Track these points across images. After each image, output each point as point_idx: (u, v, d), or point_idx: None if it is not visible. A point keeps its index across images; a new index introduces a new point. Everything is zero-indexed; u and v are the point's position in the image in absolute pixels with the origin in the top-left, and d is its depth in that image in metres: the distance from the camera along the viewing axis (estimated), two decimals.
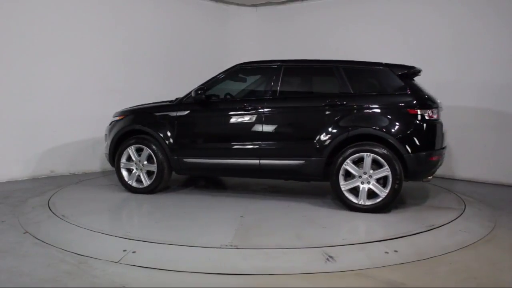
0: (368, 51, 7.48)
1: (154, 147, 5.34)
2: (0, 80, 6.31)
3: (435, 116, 4.66)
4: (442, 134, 4.79)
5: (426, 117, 4.58)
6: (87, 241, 3.77)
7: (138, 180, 5.48)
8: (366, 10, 7.82)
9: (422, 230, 4.03)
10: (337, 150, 4.72)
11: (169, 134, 5.32)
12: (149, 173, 5.44)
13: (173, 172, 5.52)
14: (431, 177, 4.83)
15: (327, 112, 4.79)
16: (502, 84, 6.53)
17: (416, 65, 5.01)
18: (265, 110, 5.00)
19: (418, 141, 4.55)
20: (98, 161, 7.39)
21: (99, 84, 7.31)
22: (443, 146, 4.86)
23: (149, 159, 5.41)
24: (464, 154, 6.92)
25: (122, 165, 5.53)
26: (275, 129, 4.99)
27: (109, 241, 3.72)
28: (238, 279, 3.12)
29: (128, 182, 5.51)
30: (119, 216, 4.60)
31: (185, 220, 4.33)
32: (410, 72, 4.84)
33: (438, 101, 4.89)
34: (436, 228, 4.13)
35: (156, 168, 5.36)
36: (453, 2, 6.93)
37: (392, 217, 4.51)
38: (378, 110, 4.69)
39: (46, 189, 5.81)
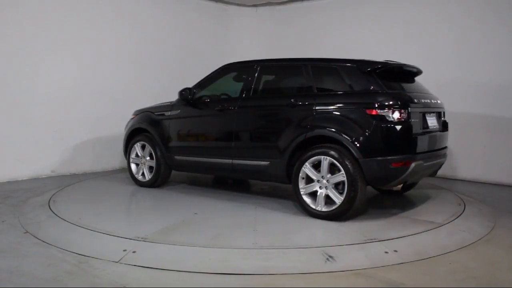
0: (368, 52, 7.47)
1: (153, 144, 5.75)
2: (0, 80, 6.31)
3: (402, 117, 4.14)
4: (416, 138, 4.25)
5: (388, 118, 4.12)
6: (88, 241, 3.77)
7: (143, 174, 5.95)
8: (366, 10, 7.82)
9: (422, 230, 4.03)
10: (298, 152, 4.54)
11: (163, 132, 5.71)
12: (151, 169, 5.86)
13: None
14: (410, 185, 4.52)
15: (290, 113, 4.64)
16: (503, 84, 6.53)
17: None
18: (236, 110, 5.07)
19: (376, 145, 4.14)
20: (98, 161, 7.39)
21: (99, 84, 7.31)
22: (425, 150, 4.42)
23: (151, 155, 5.84)
24: (464, 154, 6.92)
25: (131, 160, 6.04)
26: (244, 129, 5.05)
27: (109, 241, 3.72)
28: (238, 279, 3.12)
29: (135, 175, 6.01)
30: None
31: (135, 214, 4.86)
32: (377, 69, 4.40)
33: (427, 100, 4.55)
34: (435, 228, 4.13)
35: (155, 163, 5.76)
36: (454, 3, 6.93)
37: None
38: (337, 111, 4.37)
39: (47, 189, 5.82)
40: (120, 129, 7.72)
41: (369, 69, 4.38)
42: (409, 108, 4.20)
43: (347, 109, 4.32)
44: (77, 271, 3.19)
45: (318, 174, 4.37)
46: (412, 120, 4.22)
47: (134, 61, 7.75)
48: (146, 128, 5.85)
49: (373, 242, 3.70)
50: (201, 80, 5.62)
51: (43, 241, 3.80)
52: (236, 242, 3.69)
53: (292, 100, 4.66)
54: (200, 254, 3.46)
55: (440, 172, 6.92)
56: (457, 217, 4.50)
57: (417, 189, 5.86)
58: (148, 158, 5.85)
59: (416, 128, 4.30)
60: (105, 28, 7.36)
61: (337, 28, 8.16)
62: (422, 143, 4.38)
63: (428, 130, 4.53)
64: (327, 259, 3.38)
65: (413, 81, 4.89)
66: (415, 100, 4.37)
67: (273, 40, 9.01)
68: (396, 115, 4.14)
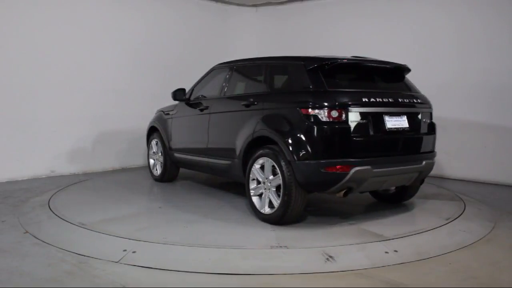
0: (368, 51, 7.46)
1: (162, 142, 6.19)
2: (0, 80, 6.31)
3: (338, 118, 3.87)
4: (360, 140, 3.95)
5: (321, 119, 3.87)
6: (87, 241, 3.77)
7: (157, 169, 6.42)
8: (366, 9, 7.82)
9: (422, 230, 4.03)
10: (249, 153, 4.47)
11: (167, 131, 6.10)
12: (161, 164, 6.30)
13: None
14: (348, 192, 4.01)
15: (245, 113, 4.62)
16: (503, 84, 6.52)
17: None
18: (211, 111, 5.23)
19: (309, 147, 3.88)
20: (98, 161, 7.39)
21: (99, 84, 7.30)
22: (381, 155, 4.09)
23: (162, 152, 6.28)
24: (464, 154, 6.91)
25: (149, 155, 6.54)
26: (214, 129, 5.15)
27: (109, 241, 3.72)
28: (238, 279, 3.12)
29: (151, 170, 6.51)
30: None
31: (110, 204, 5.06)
32: (324, 66, 4.11)
33: (388, 99, 4.15)
34: (436, 228, 4.13)
35: (163, 160, 6.20)
36: (455, 3, 6.93)
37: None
38: (279, 111, 4.24)
39: (46, 189, 5.81)
40: (120, 129, 7.74)
41: (314, 66, 4.12)
42: (349, 108, 3.91)
43: (286, 109, 4.15)
44: (77, 271, 3.19)
45: (264, 176, 4.30)
46: (354, 121, 3.91)
47: (134, 61, 7.75)
48: (157, 126, 6.28)
49: (373, 242, 3.71)
50: (196, 81, 5.84)
51: (43, 241, 3.79)
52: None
53: (247, 100, 4.65)
54: (200, 254, 3.46)
55: (440, 172, 7.00)
56: (457, 217, 4.50)
57: None
58: (160, 154, 6.29)
59: (362, 130, 3.97)
60: (105, 28, 7.35)
61: (337, 27, 8.15)
62: (374, 147, 4.07)
63: (386, 132, 4.12)
64: (327, 259, 3.38)
65: (391, 78, 4.59)
66: (363, 100, 4.00)
67: (273, 39, 9.01)
68: (331, 115, 3.86)
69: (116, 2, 7.51)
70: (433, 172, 6.95)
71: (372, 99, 4.05)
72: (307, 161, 3.89)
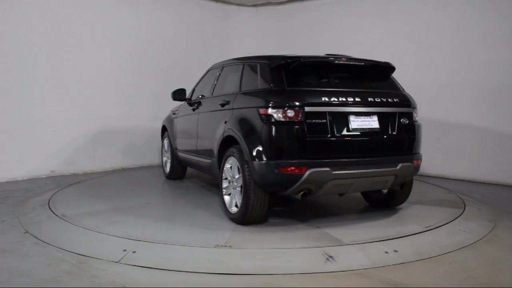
0: (368, 51, 7.48)
1: (169, 140, 6.41)
2: (0, 80, 6.31)
3: (292, 117, 3.78)
4: (317, 141, 3.83)
5: (276, 119, 3.80)
6: (87, 241, 3.77)
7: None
8: (366, 9, 7.82)
9: (422, 230, 4.03)
10: (223, 152, 4.46)
11: (172, 130, 6.27)
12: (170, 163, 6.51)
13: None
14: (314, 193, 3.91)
15: (220, 113, 4.65)
16: (503, 85, 6.52)
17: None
18: (199, 110, 5.36)
19: (264, 147, 3.82)
20: (98, 161, 7.39)
21: (99, 84, 7.31)
22: (345, 157, 3.92)
23: None
24: (464, 154, 6.91)
25: (163, 154, 6.76)
26: (201, 128, 5.26)
27: (109, 241, 3.72)
28: (238, 279, 3.11)
29: (163, 167, 6.74)
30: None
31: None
32: (287, 65, 4.04)
33: (354, 99, 4.00)
34: (436, 228, 4.12)
35: (170, 158, 6.40)
36: (455, 3, 6.93)
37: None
38: (243, 110, 4.20)
39: (46, 189, 5.82)
40: (120, 129, 7.74)
41: (277, 65, 4.06)
42: (305, 108, 3.80)
43: (249, 109, 4.11)
44: (77, 271, 3.19)
45: (232, 176, 4.31)
46: (311, 121, 3.80)
47: (135, 61, 7.75)
48: (166, 126, 6.53)
49: (373, 242, 3.70)
50: (197, 81, 5.93)
51: (43, 241, 3.80)
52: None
53: (222, 100, 4.68)
54: (200, 254, 3.45)
55: (440, 172, 7.00)
56: (457, 217, 4.50)
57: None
58: (169, 153, 6.48)
59: (320, 130, 3.84)
60: (105, 28, 7.35)
61: (337, 27, 8.15)
62: (334, 148, 3.92)
63: (351, 133, 3.96)
64: (327, 259, 3.38)
65: (368, 77, 4.42)
66: (323, 99, 3.88)
67: (273, 39, 9.01)
68: (287, 115, 3.78)
69: (116, 2, 7.51)
70: (433, 172, 7.05)
71: (333, 98, 3.92)
72: (262, 161, 3.84)
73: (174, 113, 6.32)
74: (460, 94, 6.85)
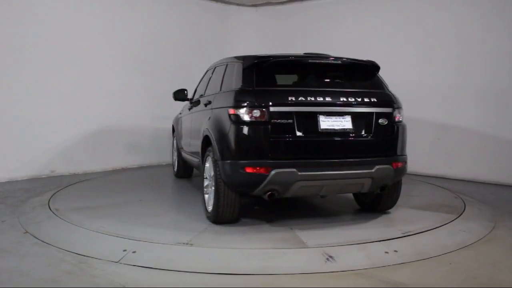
0: (368, 51, 7.47)
1: (176, 140, 6.60)
2: (0, 80, 6.31)
3: (257, 117, 3.74)
4: (283, 141, 3.78)
5: (242, 119, 3.78)
6: (87, 241, 3.77)
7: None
8: (366, 9, 7.83)
9: (422, 230, 4.03)
10: (205, 151, 4.47)
11: (178, 130, 6.41)
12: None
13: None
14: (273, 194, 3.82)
15: (203, 113, 4.72)
16: (503, 85, 6.52)
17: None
18: (193, 110, 5.41)
19: (231, 147, 3.84)
20: (98, 161, 7.39)
21: (99, 84, 7.31)
22: (315, 158, 3.85)
23: None
24: (464, 154, 6.91)
25: (172, 152, 6.98)
26: (192, 128, 5.33)
27: (109, 241, 3.72)
28: (238, 279, 3.11)
29: (173, 166, 6.93)
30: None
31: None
32: (259, 64, 4.00)
33: (325, 99, 3.90)
34: (436, 228, 4.12)
35: (177, 157, 6.57)
36: (456, 3, 6.93)
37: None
38: (219, 110, 4.18)
39: (46, 189, 5.81)
40: (120, 129, 7.73)
41: (249, 65, 4.03)
42: (270, 107, 3.75)
43: (221, 109, 4.12)
44: (77, 271, 3.19)
45: (209, 175, 4.32)
46: (276, 121, 3.75)
47: (135, 61, 7.75)
48: (174, 125, 6.74)
49: (373, 242, 3.70)
50: (199, 81, 5.94)
51: (43, 241, 3.80)
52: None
53: (206, 100, 4.75)
54: (200, 254, 3.45)
55: (440, 172, 7.00)
56: (457, 217, 4.49)
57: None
58: (176, 152, 6.66)
59: (286, 130, 3.78)
60: (105, 28, 7.36)
61: (337, 27, 8.16)
62: (302, 149, 3.84)
63: (320, 133, 3.86)
64: (327, 259, 3.38)
65: (348, 76, 4.32)
66: (289, 98, 3.81)
67: (273, 39, 9.01)
68: (252, 114, 3.75)
69: (116, 2, 7.51)
70: (433, 172, 7.05)
71: (301, 98, 3.84)
72: (228, 161, 3.85)
73: (180, 113, 6.47)
74: (460, 94, 6.85)
